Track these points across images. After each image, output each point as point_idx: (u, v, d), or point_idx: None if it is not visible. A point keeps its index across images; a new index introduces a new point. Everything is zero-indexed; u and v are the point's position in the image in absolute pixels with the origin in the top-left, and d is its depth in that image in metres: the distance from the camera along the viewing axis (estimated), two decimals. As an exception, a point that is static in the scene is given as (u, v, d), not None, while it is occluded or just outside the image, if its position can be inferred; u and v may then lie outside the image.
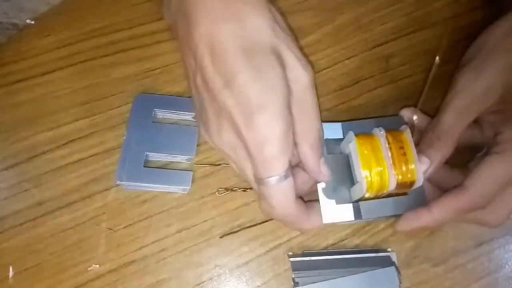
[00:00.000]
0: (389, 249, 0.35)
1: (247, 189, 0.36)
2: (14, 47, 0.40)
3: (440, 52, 0.31)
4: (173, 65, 0.40)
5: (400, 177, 0.31)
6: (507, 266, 0.36)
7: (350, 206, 0.33)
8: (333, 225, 0.35)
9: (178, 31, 0.28)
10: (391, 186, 0.31)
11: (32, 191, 0.36)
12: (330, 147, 0.34)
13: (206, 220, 0.35)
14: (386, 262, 0.33)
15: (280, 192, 0.27)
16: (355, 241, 0.36)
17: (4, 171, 0.36)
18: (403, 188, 0.32)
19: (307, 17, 0.43)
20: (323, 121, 0.31)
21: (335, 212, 0.32)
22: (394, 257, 0.34)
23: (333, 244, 0.35)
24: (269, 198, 0.27)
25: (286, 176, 0.27)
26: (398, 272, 0.33)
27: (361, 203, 0.33)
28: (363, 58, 0.41)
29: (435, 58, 0.35)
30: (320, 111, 0.39)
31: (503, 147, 0.31)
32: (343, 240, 0.35)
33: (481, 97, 0.31)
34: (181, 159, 0.37)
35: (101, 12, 0.42)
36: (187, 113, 0.37)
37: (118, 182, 0.35)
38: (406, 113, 0.35)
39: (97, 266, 0.34)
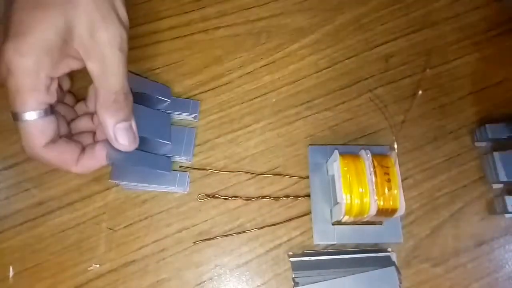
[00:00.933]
0: (389, 249, 0.35)
1: (229, 197, 0.36)
2: (14, 47, 0.40)
3: (422, 82, 0.31)
4: (173, 65, 0.40)
5: (381, 202, 0.31)
6: (507, 266, 0.36)
7: (333, 228, 0.33)
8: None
9: None
10: (372, 211, 0.31)
11: (32, 191, 0.36)
12: (318, 167, 0.36)
13: (206, 220, 0.35)
14: (386, 262, 0.33)
15: (27, 130, 0.26)
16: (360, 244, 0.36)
17: (4, 171, 0.36)
18: (385, 215, 0.32)
19: (307, 17, 0.43)
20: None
21: (325, 233, 0.33)
22: (394, 257, 0.34)
23: (333, 244, 0.35)
24: (21, 134, 0.26)
25: (40, 116, 0.26)
26: (398, 272, 0.32)
27: (337, 227, 0.33)
28: (363, 58, 0.41)
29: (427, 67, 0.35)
30: (321, 111, 0.39)
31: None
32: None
33: None
34: (179, 159, 0.36)
35: (101, 12, 0.42)
36: (186, 113, 0.37)
37: (110, 181, 0.34)
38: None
39: (97, 266, 0.34)
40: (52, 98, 0.27)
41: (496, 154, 0.36)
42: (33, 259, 0.34)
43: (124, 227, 0.35)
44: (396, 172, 0.32)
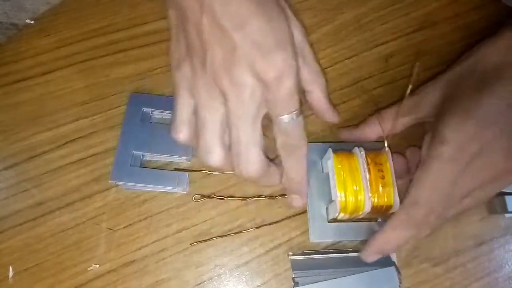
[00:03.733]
0: (389, 249, 0.35)
1: (224, 197, 0.36)
2: (14, 47, 0.40)
3: (413, 79, 0.31)
4: (173, 65, 0.40)
5: (376, 199, 0.31)
6: (507, 266, 0.36)
7: (330, 226, 0.33)
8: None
9: None
10: (366, 208, 0.31)
11: (32, 191, 0.36)
12: (313, 165, 0.36)
13: (206, 220, 0.35)
14: (386, 262, 0.33)
15: (297, 126, 0.28)
16: (355, 241, 0.36)
17: (4, 171, 0.36)
18: (379, 212, 0.32)
19: (307, 17, 0.43)
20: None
21: (321, 231, 0.33)
22: (394, 257, 0.34)
23: (333, 244, 0.35)
24: (286, 133, 0.28)
25: (298, 114, 0.28)
26: (398, 272, 0.32)
27: (333, 224, 0.33)
28: (363, 58, 0.41)
29: (416, 64, 0.35)
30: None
31: (439, 150, 0.30)
32: (343, 241, 0.35)
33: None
34: (180, 159, 0.36)
35: (100, 12, 0.42)
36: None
37: (110, 182, 0.35)
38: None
39: (97, 266, 0.34)
40: None
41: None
42: (33, 259, 0.34)
43: (124, 227, 0.35)
44: (390, 168, 0.32)
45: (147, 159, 0.36)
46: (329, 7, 0.43)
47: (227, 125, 0.28)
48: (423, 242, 0.36)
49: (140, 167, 0.36)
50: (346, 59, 0.41)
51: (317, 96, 0.32)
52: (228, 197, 0.36)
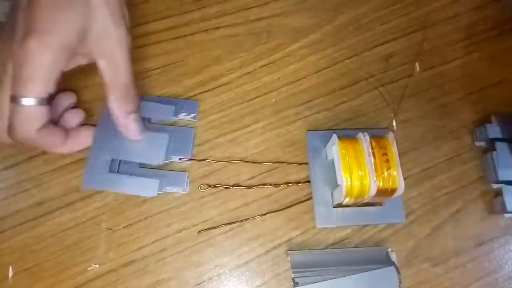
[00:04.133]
0: (389, 249, 0.35)
1: (230, 186, 0.36)
2: (14, 47, 0.40)
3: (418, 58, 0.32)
4: (173, 65, 0.40)
5: (381, 183, 0.31)
6: (507, 266, 0.36)
7: (335, 211, 0.33)
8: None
9: None
10: (372, 192, 0.31)
11: (32, 191, 0.36)
12: (317, 152, 0.36)
13: (206, 220, 0.35)
14: (386, 262, 0.33)
15: (26, 114, 0.28)
16: (355, 241, 0.36)
17: (4, 171, 0.36)
18: (384, 195, 0.32)
19: (307, 17, 0.43)
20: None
21: (328, 216, 0.34)
22: (394, 257, 0.34)
23: (333, 244, 0.35)
24: (15, 117, 0.28)
25: (39, 104, 0.28)
26: (398, 272, 0.32)
27: (338, 209, 0.33)
28: (363, 58, 0.41)
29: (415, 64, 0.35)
30: (321, 111, 0.39)
31: None
32: (343, 240, 0.35)
33: None
34: (178, 159, 0.36)
35: (101, 12, 0.42)
36: (185, 114, 0.37)
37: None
38: None
39: (97, 266, 0.34)
40: (55, 89, 0.29)
41: (495, 153, 0.36)
42: (32, 259, 0.34)
43: (124, 227, 0.35)
44: (394, 152, 0.32)
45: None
46: (329, 7, 0.43)
47: None
48: (423, 242, 0.36)
49: (140, 167, 0.36)
50: (346, 59, 0.41)
51: (110, 102, 0.32)
52: (233, 185, 0.36)
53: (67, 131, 0.33)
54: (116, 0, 0.30)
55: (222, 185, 0.36)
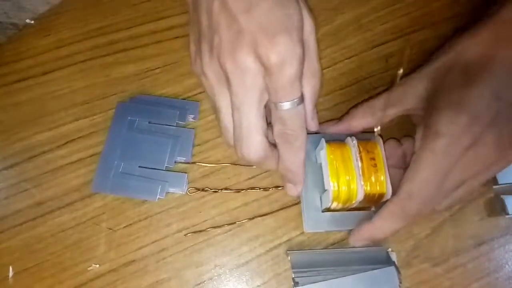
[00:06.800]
0: (389, 249, 0.35)
1: (218, 190, 0.36)
2: (14, 47, 0.40)
3: (404, 63, 0.32)
4: (173, 64, 0.40)
5: (368, 188, 0.31)
6: (507, 266, 0.35)
7: (324, 216, 0.33)
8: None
9: None
10: (359, 197, 0.31)
11: (32, 191, 0.36)
12: (307, 155, 0.35)
13: (206, 220, 0.35)
14: (386, 262, 0.33)
15: (296, 115, 0.28)
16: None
17: (4, 171, 0.36)
18: (372, 200, 0.32)
19: (307, 17, 0.43)
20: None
21: (316, 221, 0.33)
22: (394, 257, 0.34)
23: (333, 244, 0.35)
24: (284, 121, 0.28)
25: (299, 102, 0.27)
26: (398, 272, 0.32)
27: (327, 214, 0.33)
28: (363, 58, 0.41)
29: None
30: (320, 111, 0.39)
31: (432, 143, 0.30)
32: (343, 240, 0.35)
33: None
34: (178, 160, 0.36)
35: (101, 12, 0.42)
36: (187, 117, 0.38)
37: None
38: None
39: (97, 266, 0.34)
40: None
41: (496, 154, 0.36)
42: (33, 259, 0.34)
43: (124, 227, 0.35)
44: (382, 157, 0.32)
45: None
46: (329, 7, 0.43)
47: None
48: (423, 242, 0.36)
49: (140, 167, 0.36)
50: (346, 59, 0.41)
51: (305, 93, 0.31)
52: (222, 189, 0.36)
53: None
54: None
55: (211, 189, 0.36)
